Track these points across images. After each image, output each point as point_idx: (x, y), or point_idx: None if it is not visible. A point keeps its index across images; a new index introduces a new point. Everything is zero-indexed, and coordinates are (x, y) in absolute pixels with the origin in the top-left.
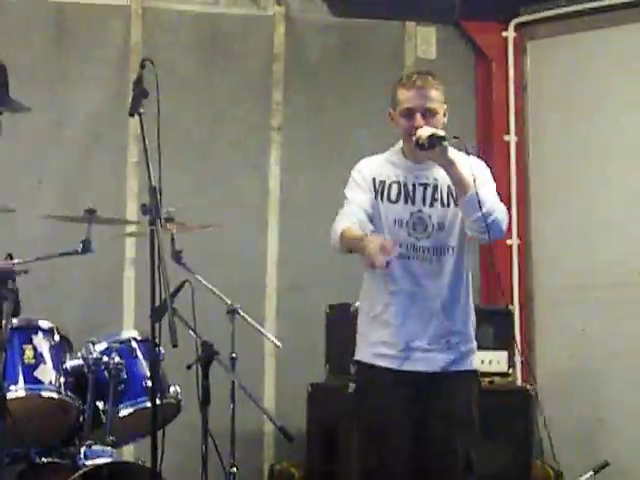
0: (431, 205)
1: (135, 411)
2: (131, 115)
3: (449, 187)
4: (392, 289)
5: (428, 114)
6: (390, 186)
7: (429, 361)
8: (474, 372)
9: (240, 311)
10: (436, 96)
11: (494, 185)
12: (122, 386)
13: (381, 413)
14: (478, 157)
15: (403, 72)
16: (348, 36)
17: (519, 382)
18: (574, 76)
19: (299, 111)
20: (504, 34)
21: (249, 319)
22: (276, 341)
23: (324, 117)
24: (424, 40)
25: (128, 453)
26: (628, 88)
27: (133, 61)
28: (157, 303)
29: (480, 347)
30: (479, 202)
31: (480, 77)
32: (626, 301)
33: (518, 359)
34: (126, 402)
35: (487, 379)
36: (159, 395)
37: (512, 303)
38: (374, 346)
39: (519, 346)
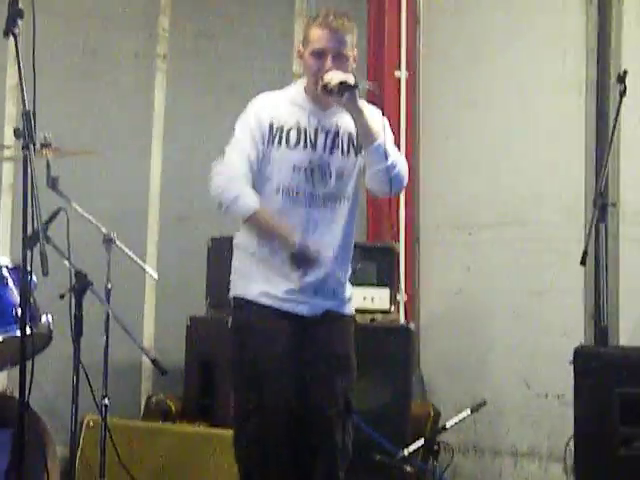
0: (331, 152)
1: (4, 339)
2: (5, 35)
3: (349, 135)
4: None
5: (339, 58)
6: (289, 131)
7: (313, 305)
8: (352, 316)
9: (117, 240)
10: (350, 40)
11: (392, 139)
12: None
13: (264, 354)
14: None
15: (321, 9)
16: None
17: (402, 320)
18: (466, 10)
19: (186, 39)
20: None
21: (125, 249)
22: (153, 273)
23: (212, 46)
24: None
25: None
26: (515, 21)
27: None
28: (29, 230)
29: (363, 284)
30: (385, 153)
31: (372, 11)
32: (512, 239)
33: (402, 297)
34: None
35: (369, 316)
36: (29, 324)
37: (398, 240)
38: (257, 283)
39: (402, 283)
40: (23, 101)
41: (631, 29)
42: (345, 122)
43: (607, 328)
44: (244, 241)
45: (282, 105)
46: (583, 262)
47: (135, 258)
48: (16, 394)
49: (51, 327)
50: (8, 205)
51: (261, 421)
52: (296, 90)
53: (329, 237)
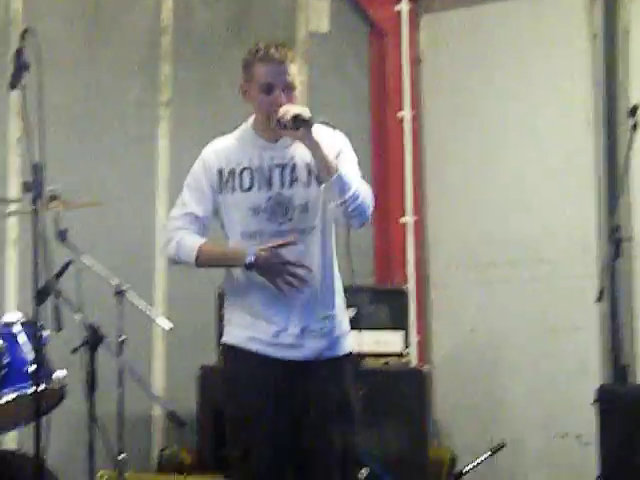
0: (290, 186)
1: (17, 397)
2: (12, 88)
3: (308, 165)
4: (258, 280)
5: (288, 89)
6: (242, 173)
7: (301, 348)
8: (349, 355)
9: (128, 292)
10: (294, 70)
11: (356, 162)
12: (4, 371)
13: (250, 403)
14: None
15: (256, 44)
16: (238, 8)
17: (414, 363)
18: (467, 49)
19: (188, 86)
20: (397, 7)
21: (137, 300)
22: (165, 323)
23: (213, 92)
24: (316, 13)
25: (11, 441)
26: (519, 61)
27: (13, 33)
28: (40, 285)
29: (375, 327)
30: (344, 185)
31: (374, 51)
32: (522, 279)
33: (413, 339)
34: (8, 388)
35: (382, 360)
36: (43, 380)
37: (407, 282)
38: (243, 329)
39: (414, 326)
40: (31, 153)
41: (639, 63)
42: (300, 153)
43: (628, 367)
44: (228, 287)
45: (231, 148)
46: (599, 299)
47: (147, 310)
48: (30, 452)
49: (64, 383)
50: (13, 259)
51: (248, 471)
52: (244, 130)
53: (305, 273)
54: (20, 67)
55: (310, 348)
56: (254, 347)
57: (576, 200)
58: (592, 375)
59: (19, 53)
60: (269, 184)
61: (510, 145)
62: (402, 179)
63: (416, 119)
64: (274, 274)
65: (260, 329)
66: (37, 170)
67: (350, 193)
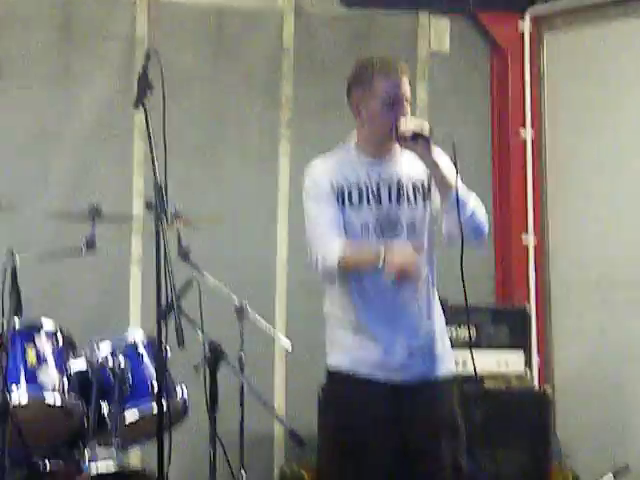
0: (398, 203)
1: (141, 414)
2: (136, 107)
3: (414, 183)
4: (367, 296)
5: (407, 103)
6: (350, 189)
7: (409, 370)
8: (453, 377)
9: (249, 309)
10: (408, 84)
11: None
12: (127, 388)
13: (360, 425)
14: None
15: (369, 57)
16: (359, 28)
17: (536, 383)
18: (591, 69)
19: (309, 106)
20: (520, 26)
21: (258, 318)
22: (285, 343)
23: (334, 112)
24: (438, 32)
25: (134, 456)
26: None
27: (138, 55)
28: (163, 302)
29: (496, 347)
30: (463, 200)
31: (495, 70)
32: None
33: (535, 360)
34: (132, 405)
35: (503, 380)
36: (165, 398)
37: (529, 302)
38: (347, 352)
39: (535, 346)
40: (155, 173)
41: None
42: (405, 170)
43: None
44: (331, 309)
45: (337, 167)
46: None
47: (269, 328)
48: (154, 471)
49: (187, 401)
50: (138, 277)
51: None
52: (347, 148)
53: (411, 292)
54: (144, 87)
55: (417, 369)
56: (360, 370)
57: None
58: None
59: (143, 73)
60: (378, 202)
61: (634, 165)
62: (524, 198)
63: (538, 137)
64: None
65: (366, 349)
66: (159, 190)
67: (469, 208)
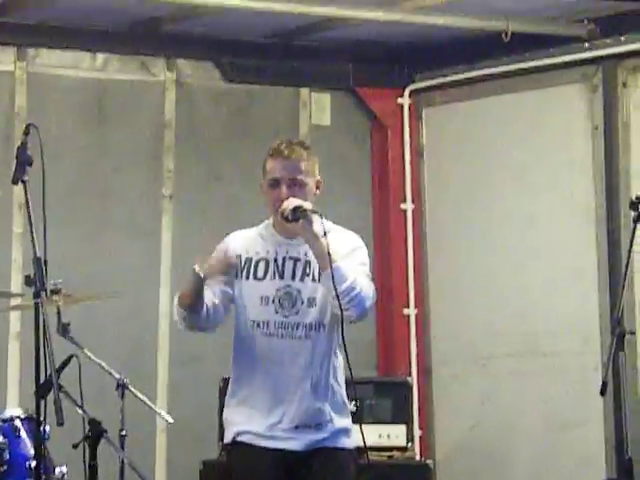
0: (301, 280)
1: None
2: (14, 183)
3: None
4: (259, 369)
5: (295, 186)
6: (257, 263)
7: (298, 440)
8: (350, 451)
9: (129, 386)
10: (305, 167)
11: (366, 266)
12: (5, 467)
13: None
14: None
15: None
16: (241, 102)
17: (418, 457)
18: (469, 142)
19: (191, 179)
20: (399, 101)
21: (139, 394)
22: (167, 417)
23: (217, 185)
24: (319, 106)
25: None
26: (519, 152)
27: (18, 128)
28: (42, 379)
29: (378, 421)
30: (340, 278)
31: (376, 144)
32: (526, 372)
33: (417, 433)
34: None
35: (386, 453)
36: (44, 477)
37: (410, 375)
38: (238, 425)
39: (417, 419)
40: (34, 248)
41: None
42: None
43: (631, 460)
44: (229, 386)
45: (251, 239)
46: (603, 393)
47: (149, 404)
48: None
49: (66, 478)
50: (16, 354)
51: None
52: (265, 224)
53: (305, 368)
54: (23, 162)
55: (306, 439)
56: (250, 440)
57: (578, 292)
58: (597, 469)
59: (22, 148)
60: (281, 275)
61: (511, 237)
62: (405, 271)
63: (418, 211)
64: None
65: (255, 422)
66: (39, 264)
67: (345, 286)
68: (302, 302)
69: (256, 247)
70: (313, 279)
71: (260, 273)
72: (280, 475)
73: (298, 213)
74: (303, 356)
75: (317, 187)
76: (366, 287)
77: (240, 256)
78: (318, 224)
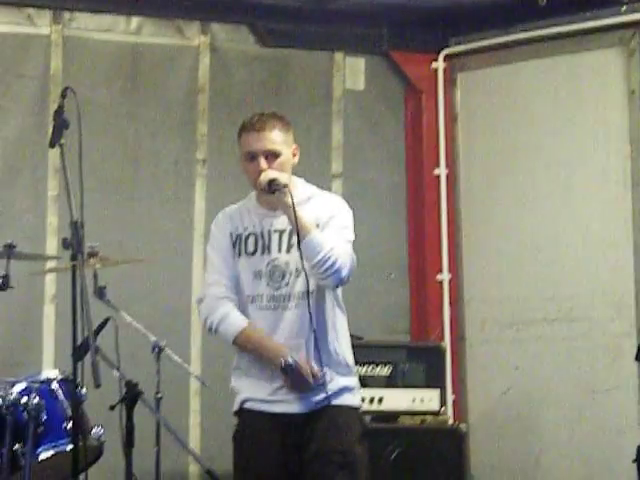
0: (287, 251)
1: (55, 454)
2: (51, 146)
3: None
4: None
5: (270, 156)
6: (247, 238)
7: (301, 402)
8: (353, 409)
9: (165, 349)
10: (278, 137)
11: (347, 229)
12: (42, 428)
13: (254, 460)
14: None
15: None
16: (275, 67)
17: (450, 421)
18: (504, 107)
19: (225, 144)
20: (434, 65)
21: (175, 356)
22: (202, 379)
23: None
24: (352, 71)
25: None
26: (555, 119)
27: (53, 91)
28: (79, 341)
29: (411, 385)
30: (315, 248)
31: (410, 109)
32: (560, 338)
33: (450, 398)
34: (46, 445)
35: (419, 417)
36: (80, 437)
37: (443, 340)
38: (243, 393)
39: (450, 384)
40: (71, 211)
41: None
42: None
43: None
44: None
45: (238, 216)
46: (638, 358)
47: (185, 366)
48: None
49: (102, 439)
50: (51, 316)
51: None
52: (249, 198)
53: (301, 336)
54: (60, 126)
55: (309, 401)
56: (254, 406)
57: (613, 258)
58: (631, 434)
59: (59, 111)
60: (269, 249)
61: (546, 203)
62: (438, 237)
63: (451, 176)
64: (299, 382)
65: (258, 388)
66: (76, 227)
67: (320, 256)
68: (290, 274)
69: (244, 222)
70: (298, 249)
71: (250, 248)
72: (284, 441)
73: (273, 186)
74: (298, 324)
75: (294, 155)
76: (343, 255)
77: (232, 233)
78: (288, 197)
